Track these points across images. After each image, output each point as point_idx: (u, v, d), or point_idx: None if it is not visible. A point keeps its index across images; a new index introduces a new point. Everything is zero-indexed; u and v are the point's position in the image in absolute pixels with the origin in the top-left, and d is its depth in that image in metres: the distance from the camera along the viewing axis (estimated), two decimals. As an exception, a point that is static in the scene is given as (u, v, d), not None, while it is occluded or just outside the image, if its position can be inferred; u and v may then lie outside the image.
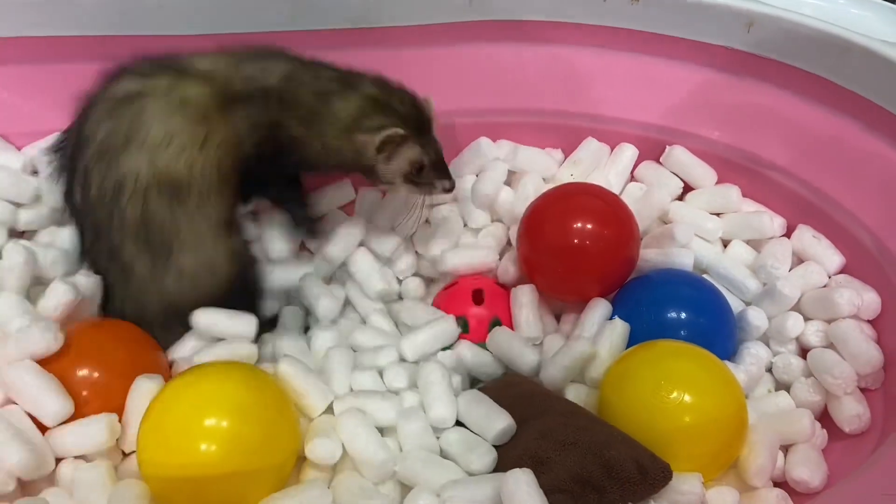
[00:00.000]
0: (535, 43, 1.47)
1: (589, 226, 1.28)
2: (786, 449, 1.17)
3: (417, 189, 1.26)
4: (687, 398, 1.05)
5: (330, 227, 1.40)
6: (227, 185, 1.20)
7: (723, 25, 1.37)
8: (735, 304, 1.33)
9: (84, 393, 1.06)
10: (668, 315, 1.24)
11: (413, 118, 1.22)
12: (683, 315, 1.24)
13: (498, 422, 1.06)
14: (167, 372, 1.17)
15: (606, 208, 1.31)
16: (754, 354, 1.27)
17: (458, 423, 1.11)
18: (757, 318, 1.29)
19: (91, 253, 1.21)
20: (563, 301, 1.37)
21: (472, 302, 1.34)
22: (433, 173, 1.24)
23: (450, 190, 1.27)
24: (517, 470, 0.94)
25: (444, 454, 1.08)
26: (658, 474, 0.98)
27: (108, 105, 1.16)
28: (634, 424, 1.06)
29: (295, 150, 1.23)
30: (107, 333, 1.15)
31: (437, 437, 1.09)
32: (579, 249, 1.27)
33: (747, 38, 1.37)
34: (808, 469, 1.12)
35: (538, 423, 1.05)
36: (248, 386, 1.00)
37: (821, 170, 1.38)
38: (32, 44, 1.37)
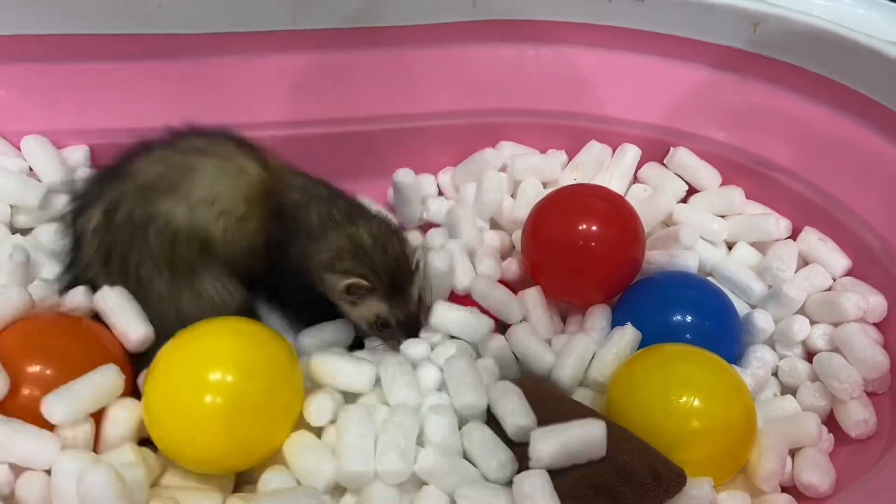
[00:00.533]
0: (538, 43, 1.46)
1: (594, 227, 1.26)
2: (793, 453, 1.15)
3: (382, 340, 1.23)
4: (696, 402, 1.04)
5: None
6: (248, 264, 1.21)
7: (728, 25, 1.37)
8: (740, 307, 1.31)
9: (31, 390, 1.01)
10: (673, 318, 1.23)
11: (390, 272, 1.18)
12: (689, 318, 1.23)
13: (519, 418, 1.03)
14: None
15: (611, 210, 1.30)
16: (760, 358, 1.25)
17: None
18: (763, 320, 1.27)
19: (92, 270, 1.18)
20: (568, 303, 1.36)
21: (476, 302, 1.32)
22: (400, 332, 1.21)
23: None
24: (533, 471, 0.93)
25: (465, 452, 1.05)
26: (672, 480, 0.97)
27: (164, 153, 1.18)
28: (643, 428, 1.04)
29: (291, 264, 1.21)
30: (61, 328, 1.11)
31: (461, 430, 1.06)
32: (584, 251, 1.26)
33: (753, 38, 1.36)
34: (817, 473, 1.10)
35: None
36: (251, 340, 1.03)
37: (826, 171, 1.37)
38: (33, 42, 1.35)
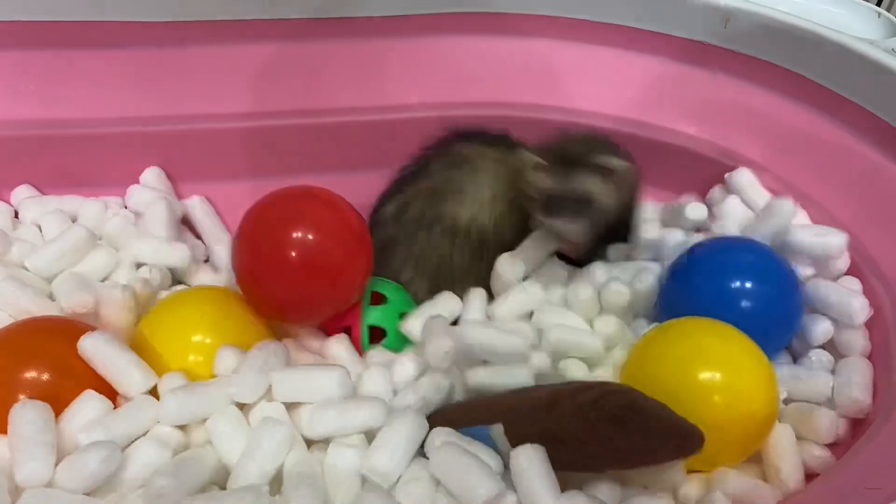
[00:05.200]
0: (511, 35, 1.47)
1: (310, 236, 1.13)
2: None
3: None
4: (718, 377, 1.01)
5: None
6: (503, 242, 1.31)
7: (700, 20, 1.39)
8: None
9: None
10: (732, 285, 1.17)
11: (559, 151, 1.23)
12: (748, 285, 1.17)
13: (482, 487, 0.88)
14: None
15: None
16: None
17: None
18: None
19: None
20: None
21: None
22: (541, 203, 1.22)
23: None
24: (528, 446, 0.89)
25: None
26: (697, 435, 0.90)
27: (451, 159, 1.32)
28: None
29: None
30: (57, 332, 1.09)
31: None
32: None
33: (724, 33, 1.38)
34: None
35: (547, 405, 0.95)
36: (227, 307, 1.15)
37: (795, 165, 1.39)
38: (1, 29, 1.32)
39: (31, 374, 1.00)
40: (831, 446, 1.13)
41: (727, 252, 1.24)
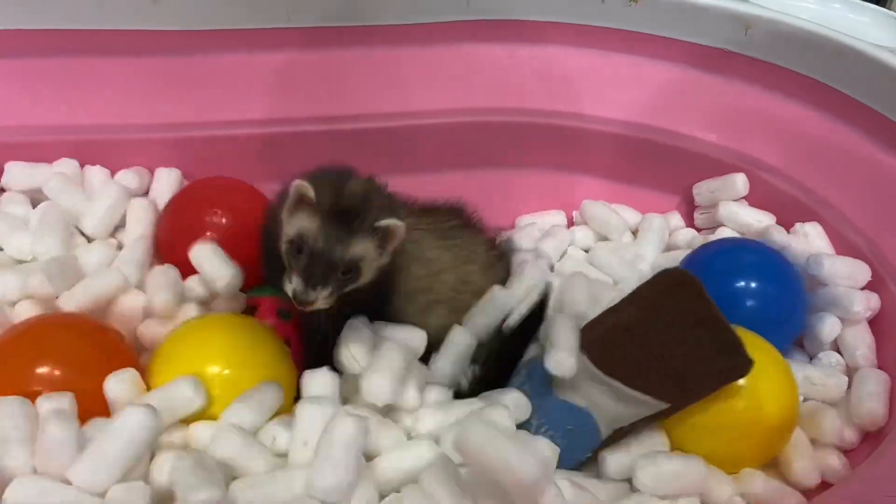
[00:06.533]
0: (532, 43, 1.47)
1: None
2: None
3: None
4: (742, 381, 1.04)
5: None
6: None
7: (720, 27, 1.39)
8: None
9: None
10: (737, 284, 1.23)
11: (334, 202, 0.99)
12: (753, 284, 1.23)
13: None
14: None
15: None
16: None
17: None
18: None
19: None
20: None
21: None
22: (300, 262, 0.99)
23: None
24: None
25: None
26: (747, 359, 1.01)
27: None
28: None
29: None
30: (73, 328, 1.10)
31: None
32: None
33: (744, 41, 1.38)
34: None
35: None
36: (245, 335, 1.09)
37: (815, 172, 1.39)
38: (19, 37, 1.34)
39: (46, 370, 1.01)
40: (850, 453, 1.15)
41: (730, 252, 1.30)
